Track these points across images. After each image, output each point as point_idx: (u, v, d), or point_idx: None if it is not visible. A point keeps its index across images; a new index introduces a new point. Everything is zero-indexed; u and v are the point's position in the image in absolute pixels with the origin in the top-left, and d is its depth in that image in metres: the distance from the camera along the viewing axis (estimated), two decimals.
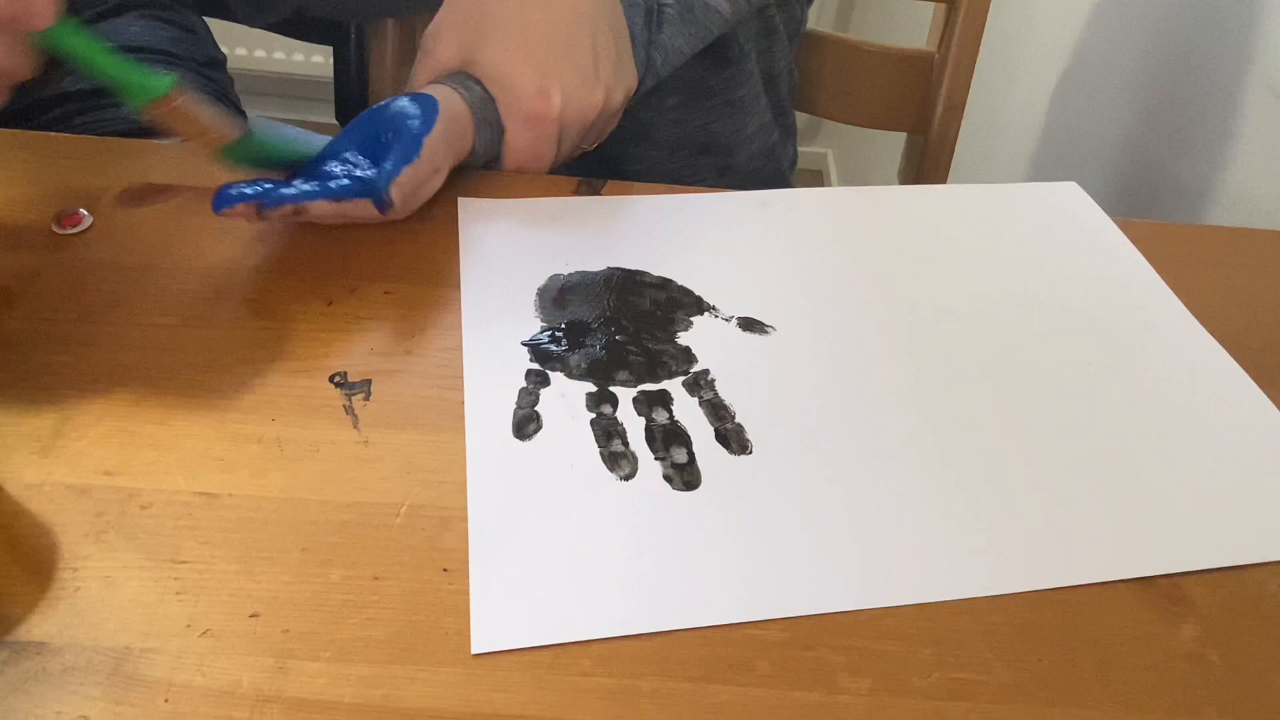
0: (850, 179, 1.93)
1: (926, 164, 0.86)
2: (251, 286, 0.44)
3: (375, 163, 0.46)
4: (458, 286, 0.45)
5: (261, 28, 0.65)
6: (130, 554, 0.33)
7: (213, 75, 0.74)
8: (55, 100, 0.64)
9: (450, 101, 0.47)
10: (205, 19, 0.81)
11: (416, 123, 0.46)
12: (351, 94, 0.92)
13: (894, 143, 0.93)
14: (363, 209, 0.45)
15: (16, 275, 0.43)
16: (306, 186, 0.44)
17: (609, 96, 0.51)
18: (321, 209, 0.44)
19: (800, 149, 0.83)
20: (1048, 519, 0.37)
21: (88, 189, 0.48)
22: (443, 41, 0.50)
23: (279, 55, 1.81)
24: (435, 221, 0.49)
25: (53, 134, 0.52)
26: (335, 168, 0.46)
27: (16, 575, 0.32)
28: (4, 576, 0.32)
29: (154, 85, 0.42)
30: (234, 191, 0.42)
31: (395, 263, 0.46)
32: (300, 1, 0.61)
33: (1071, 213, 0.53)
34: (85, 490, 0.35)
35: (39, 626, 0.31)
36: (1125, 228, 0.52)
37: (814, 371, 0.42)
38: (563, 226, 0.49)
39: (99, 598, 0.32)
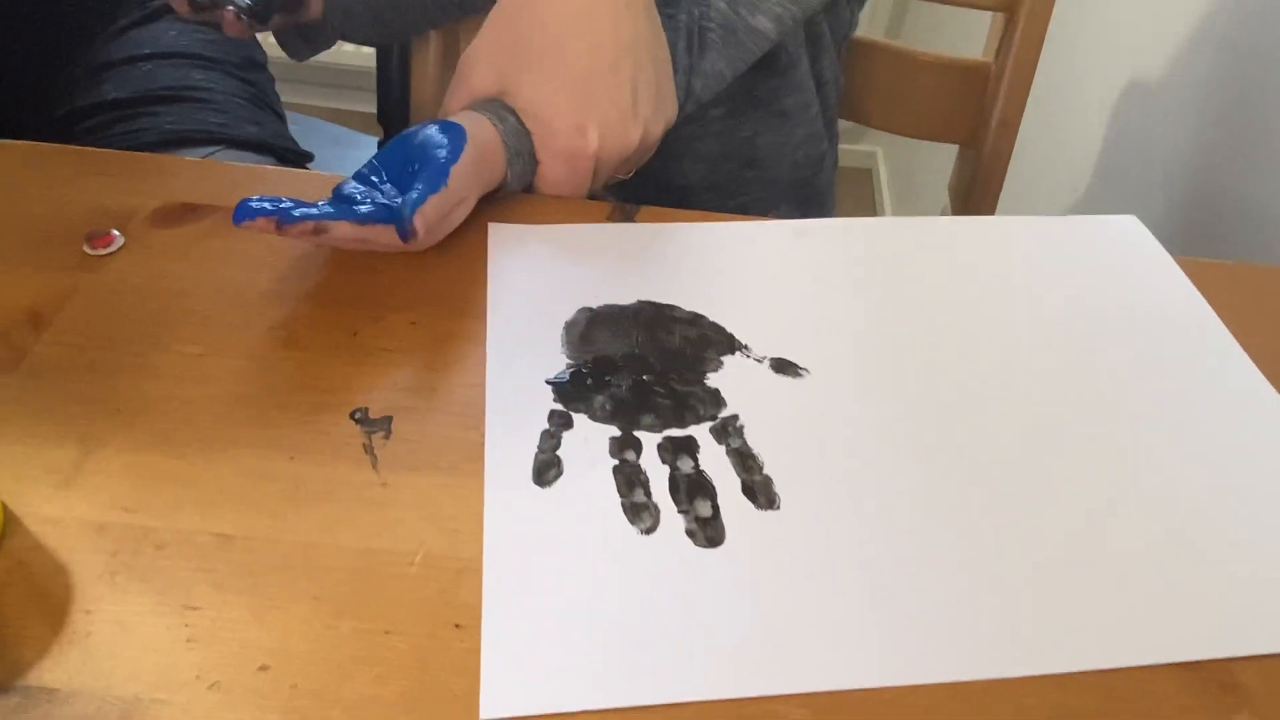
0: (899, 178, 1.89)
1: (979, 179, 0.83)
2: (278, 314, 0.43)
3: (402, 190, 0.45)
4: (484, 317, 0.44)
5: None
6: (143, 597, 0.33)
7: (250, 77, 0.74)
8: (93, 109, 0.65)
9: (482, 131, 0.47)
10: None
11: (444, 152, 0.45)
12: (393, 93, 0.92)
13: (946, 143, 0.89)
14: (385, 236, 0.44)
15: (47, 297, 0.43)
16: (329, 208, 0.43)
17: (647, 131, 0.49)
18: (343, 231, 0.43)
19: (849, 147, 0.81)
20: (1089, 594, 0.35)
21: (120, 207, 0.48)
22: (480, 67, 0.49)
23: None
24: (464, 247, 0.48)
25: (87, 149, 0.52)
26: (360, 192, 0.46)
27: (31, 615, 0.32)
28: (19, 617, 0.32)
29: None
30: (254, 205, 0.41)
31: (422, 291, 0.45)
32: (341, 34, 0.60)
33: (1129, 250, 0.51)
34: (103, 527, 0.35)
35: (50, 672, 0.31)
36: (1187, 267, 0.49)
37: (849, 421, 0.40)
38: (594, 256, 0.48)
39: (111, 643, 0.31)
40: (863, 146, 1.99)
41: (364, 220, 0.43)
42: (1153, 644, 0.33)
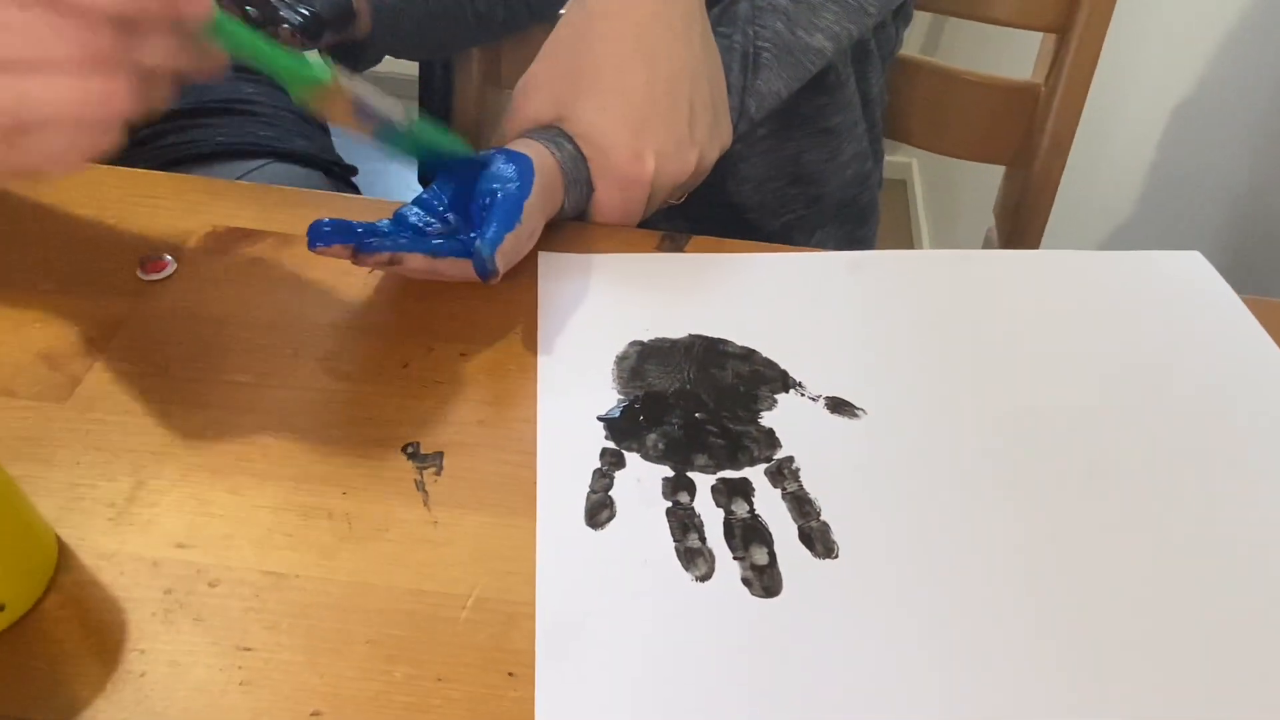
0: (935, 190, 1.87)
1: (1027, 201, 0.81)
2: (328, 344, 0.43)
3: (465, 219, 0.44)
4: (534, 349, 0.44)
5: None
6: (197, 637, 0.32)
7: None
8: (145, 120, 0.65)
9: (542, 159, 0.46)
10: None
11: (515, 186, 0.44)
12: (435, 108, 0.92)
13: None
14: (455, 268, 0.43)
15: (100, 324, 0.43)
16: (403, 239, 0.42)
17: (702, 156, 0.49)
18: (416, 263, 0.42)
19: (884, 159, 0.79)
20: (1157, 646, 0.33)
21: (173, 231, 0.48)
22: (537, 95, 0.49)
23: None
24: (514, 277, 0.47)
25: (140, 171, 0.52)
26: (423, 220, 0.45)
27: (85, 654, 0.32)
28: (73, 655, 0.32)
29: (313, 74, 0.41)
30: (328, 228, 0.40)
31: (472, 321, 0.45)
32: (387, 50, 0.60)
33: (1194, 288, 0.49)
34: (156, 564, 0.34)
35: (104, 713, 0.30)
36: (1254, 307, 0.48)
37: (907, 466, 0.39)
38: (644, 287, 0.47)
39: (164, 684, 0.31)
40: (898, 158, 1.97)
41: (439, 253, 0.43)
42: (1224, 701, 0.32)
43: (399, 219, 0.45)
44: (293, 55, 0.40)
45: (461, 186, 0.46)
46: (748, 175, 0.67)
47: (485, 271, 0.42)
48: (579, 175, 0.48)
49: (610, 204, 0.48)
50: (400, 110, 0.43)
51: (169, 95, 0.35)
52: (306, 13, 0.50)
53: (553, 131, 0.48)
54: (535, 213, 0.45)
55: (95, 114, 0.32)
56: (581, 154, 0.48)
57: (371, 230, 0.42)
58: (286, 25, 0.54)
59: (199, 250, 0.47)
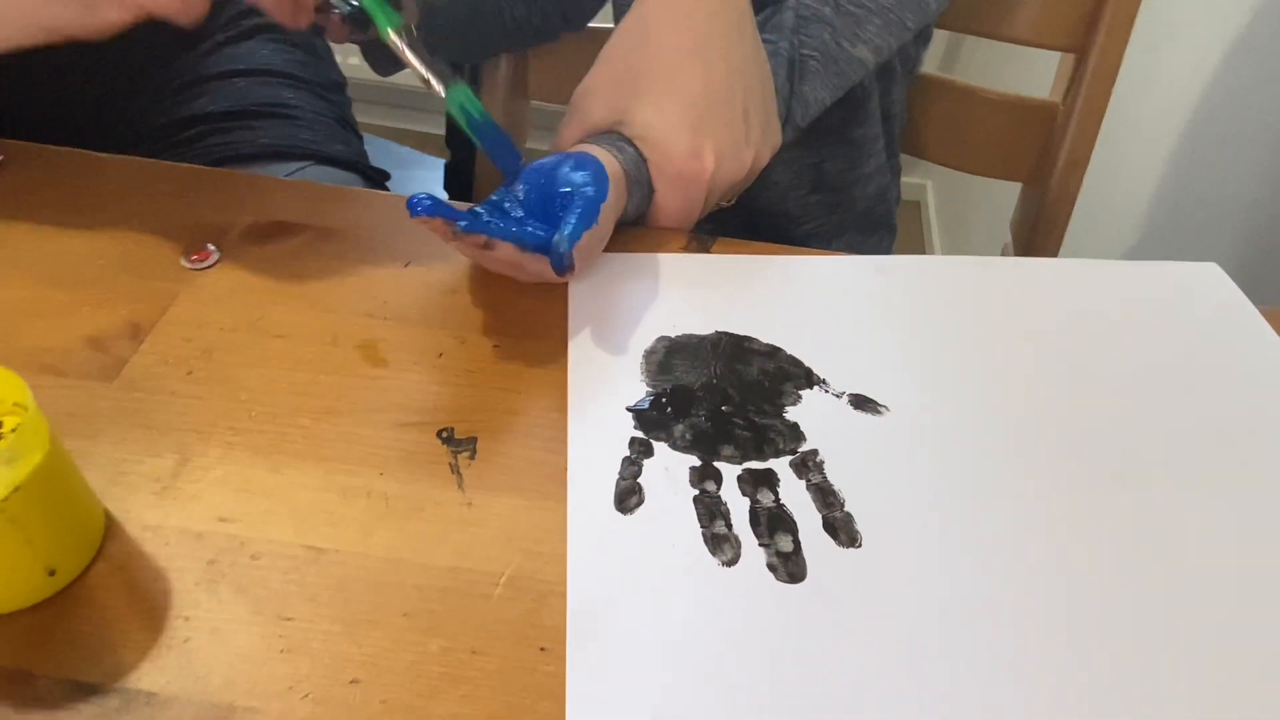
0: (948, 211, 1.88)
1: (1044, 218, 0.82)
2: (366, 333, 0.45)
3: (542, 220, 0.45)
4: (564, 342, 0.45)
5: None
6: (239, 606, 0.33)
7: (332, 97, 0.76)
8: (191, 121, 0.67)
9: (608, 163, 0.47)
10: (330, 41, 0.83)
11: (591, 189, 0.45)
12: None
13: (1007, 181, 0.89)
14: (537, 264, 0.44)
15: (146, 308, 0.45)
16: (497, 224, 0.43)
17: (756, 158, 0.50)
18: (505, 253, 0.43)
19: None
20: (1170, 644, 0.34)
21: (216, 223, 0.50)
22: (595, 100, 0.50)
23: None
24: None
25: (184, 165, 0.54)
26: (499, 218, 0.46)
27: (131, 620, 0.33)
28: (120, 620, 0.33)
29: (381, 23, 0.46)
30: (429, 201, 0.41)
31: (505, 315, 0.46)
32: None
33: (1211, 299, 0.50)
34: (200, 536, 0.36)
35: (149, 676, 0.31)
36: (1272, 319, 0.49)
37: (928, 460, 0.40)
38: (671, 285, 0.49)
39: (208, 650, 0.32)
40: (913, 179, 1.98)
41: (527, 244, 0.44)
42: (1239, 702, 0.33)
43: (490, 207, 0.46)
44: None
45: (534, 191, 0.47)
46: (770, 183, 0.68)
47: (561, 266, 0.43)
48: (640, 176, 0.49)
49: (671, 204, 0.49)
50: (440, 87, 0.47)
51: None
52: (355, 3, 0.52)
53: (612, 136, 0.49)
54: (609, 214, 0.46)
55: None
56: (641, 156, 0.49)
57: (467, 214, 0.43)
58: (336, 12, 0.56)
59: (241, 241, 0.49)
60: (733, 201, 0.54)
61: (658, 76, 0.48)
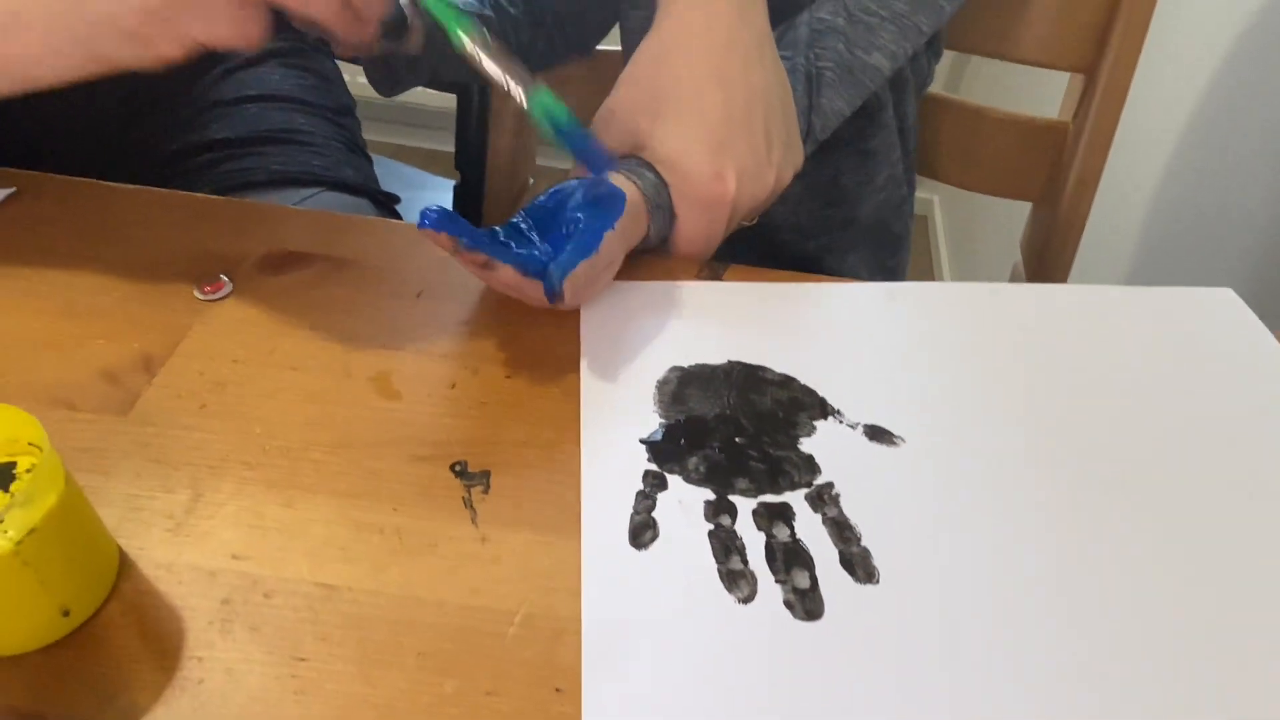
0: (956, 226, 1.88)
1: (1054, 238, 0.82)
2: (378, 364, 0.44)
3: (552, 247, 0.45)
4: (577, 372, 0.45)
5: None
6: (253, 646, 0.33)
7: (342, 122, 0.76)
8: (203, 146, 0.67)
9: (626, 190, 0.47)
10: (338, 63, 0.84)
11: (596, 219, 0.45)
12: (470, 138, 0.94)
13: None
14: (536, 290, 0.44)
15: (159, 341, 0.45)
16: (497, 245, 0.43)
17: (779, 177, 0.49)
18: (507, 276, 0.43)
19: None
20: (1197, 680, 0.34)
21: (229, 253, 0.50)
22: (615, 125, 0.49)
23: None
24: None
25: (197, 195, 0.54)
26: (515, 242, 0.46)
27: (145, 660, 0.33)
28: (134, 661, 0.33)
29: (454, 33, 0.45)
30: (436, 215, 0.41)
31: (517, 345, 0.46)
32: (433, 71, 0.62)
33: (1226, 325, 0.50)
34: (213, 574, 0.35)
35: (163, 718, 0.31)
36: None
37: (946, 493, 0.40)
38: (684, 314, 0.48)
39: (221, 692, 0.32)
40: (920, 194, 1.98)
41: (522, 267, 0.43)
42: None
43: (509, 229, 0.46)
44: (453, 11, 0.44)
45: (551, 215, 0.47)
46: (785, 195, 0.68)
47: (552, 293, 0.44)
48: (661, 201, 0.48)
49: (693, 228, 0.49)
50: (522, 92, 0.45)
51: (335, 15, 0.40)
52: (410, 6, 0.52)
53: (632, 161, 0.49)
54: (615, 244, 0.46)
55: None
56: (662, 180, 0.48)
57: (474, 232, 0.43)
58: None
59: (254, 272, 0.49)
60: (754, 221, 0.53)
61: (678, 100, 0.48)
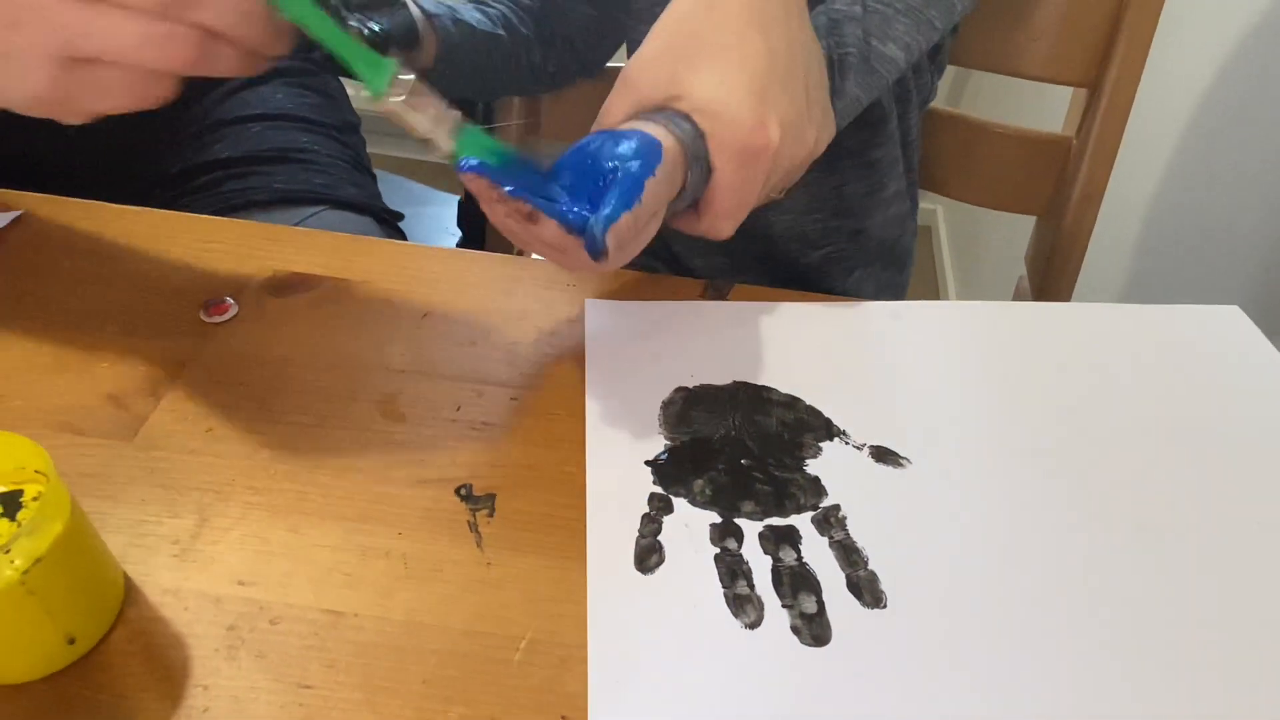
0: (960, 237, 1.88)
1: (1059, 252, 0.82)
2: (383, 386, 0.44)
3: (589, 204, 0.42)
4: (581, 393, 0.45)
5: None
6: (259, 674, 0.33)
7: (346, 139, 0.77)
8: (207, 166, 0.67)
9: (661, 140, 0.43)
10: (342, 80, 0.84)
11: (636, 165, 0.41)
12: None
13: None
14: (579, 251, 0.41)
15: (165, 365, 0.45)
16: (540, 197, 0.40)
17: (817, 139, 0.47)
18: (549, 231, 0.40)
19: None
20: (1206, 700, 0.33)
21: (234, 275, 0.50)
22: (649, 72, 0.46)
23: None
24: (561, 323, 0.49)
25: (202, 217, 0.54)
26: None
27: (150, 688, 0.33)
28: (140, 689, 0.33)
29: (374, 78, 0.40)
30: (479, 163, 0.39)
31: (522, 366, 0.46)
32: (442, 84, 0.62)
33: (1233, 343, 0.50)
34: (219, 600, 0.35)
35: None
36: None
37: (952, 515, 0.40)
38: (689, 334, 0.48)
39: None
40: (923, 205, 1.99)
41: (568, 223, 0.40)
42: None
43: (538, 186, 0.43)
44: (359, 51, 0.40)
45: (578, 171, 0.43)
46: (790, 206, 0.68)
47: (596, 250, 0.40)
48: (699, 151, 0.45)
49: (731, 183, 0.45)
50: (445, 137, 0.42)
51: (231, 64, 0.36)
52: (375, 28, 0.51)
53: (665, 113, 0.46)
54: (659, 193, 0.42)
55: (153, 59, 0.33)
56: (699, 131, 0.45)
57: (519, 179, 0.40)
58: (356, 24, 0.55)
59: (259, 294, 0.49)
60: (783, 195, 0.51)
61: (717, 47, 0.45)
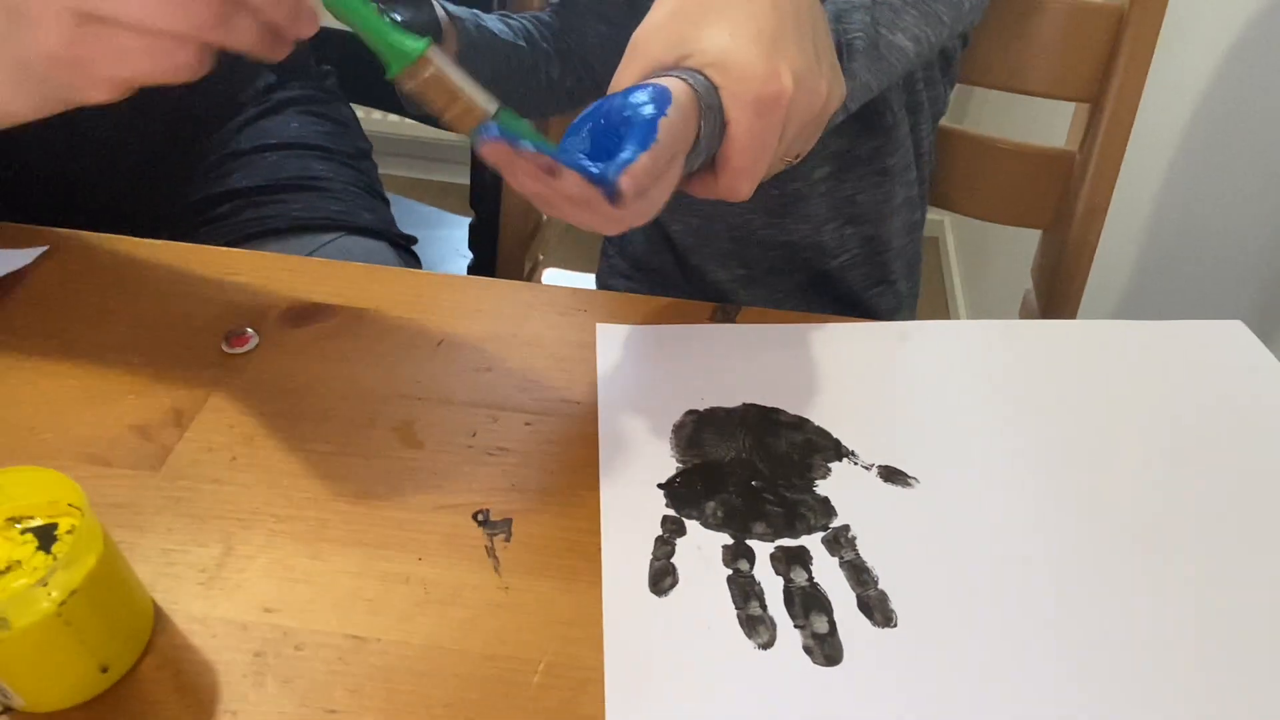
0: (967, 247, 1.88)
1: (1064, 265, 0.83)
2: (400, 414, 0.46)
3: (608, 157, 0.41)
4: (595, 418, 0.46)
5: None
6: (285, 700, 0.34)
7: (359, 166, 0.78)
8: (225, 196, 0.69)
9: (675, 87, 0.43)
10: (353, 106, 0.86)
11: (650, 108, 0.41)
12: (486, 175, 0.96)
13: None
14: (601, 204, 0.40)
15: (189, 396, 0.46)
16: (559, 154, 0.40)
17: (829, 94, 0.47)
18: (571, 184, 0.40)
19: None
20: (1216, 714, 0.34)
21: (254, 306, 0.51)
22: (658, 35, 0.46)
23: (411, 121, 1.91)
24: (574, 348, 0.50)
25: (221, 249, 0.56)
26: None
27: (180, 715, 0.34)
28: (170, 716, 0.34)
29: (406, 50, 0.41)
30: (499, 130, 0.39)
31: (536, 391, 0.47)
32: None
33: (1237, 357, 0.50)
34: (245, 627, 0.36)
35: None
36: None
37: (961, 533, 0.41)
38: (699, 357, 0.49)
39: None
40: (930, 215, 1.99)
41: (587, 172, 0.39)
42: None
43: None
44: (390, 29, 0.41)
45: (597, 128, 0.43)
46: (806, 216, 0.69)
47: (611, 193, 0.39)
48: (713, 102, 0.44)
49: (747, 134, 0.45)
50: (495, 101, 0.43)
51: (251, 37, 0.36)
52: (398, 19, 0.51)
53: (678, 70, 0.45)
54: (676, 135, 0.42)
55: (169, 21, 0.33)
56: (713, 84, 0.44)
57: (534, 140, 0.40)
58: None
59: (279, 324, 0.50)
60: (797, 160, 0.51)
61: (727, 5, 0.45)
